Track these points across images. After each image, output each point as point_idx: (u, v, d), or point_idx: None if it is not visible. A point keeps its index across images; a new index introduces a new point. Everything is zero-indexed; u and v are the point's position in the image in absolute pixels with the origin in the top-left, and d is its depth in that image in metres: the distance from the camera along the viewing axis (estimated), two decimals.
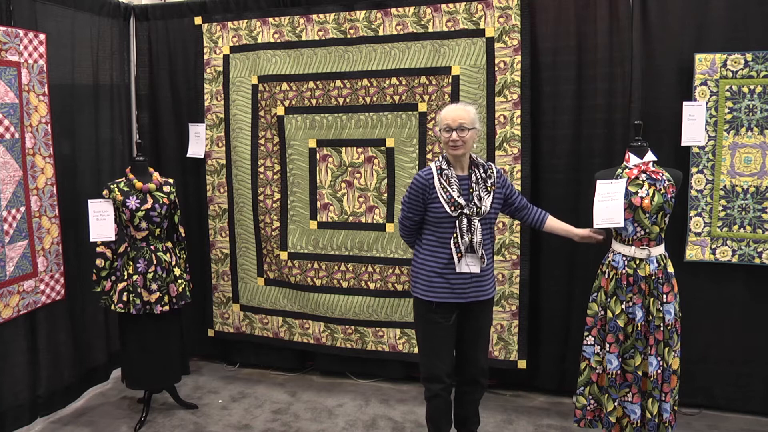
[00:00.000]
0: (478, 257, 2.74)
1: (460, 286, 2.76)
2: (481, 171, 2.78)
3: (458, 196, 2.69)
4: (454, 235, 2.70)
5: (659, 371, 2.82)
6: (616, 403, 2.89)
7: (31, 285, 3.40)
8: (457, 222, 2.70)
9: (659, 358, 2.82)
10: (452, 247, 2.70)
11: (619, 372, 2.88)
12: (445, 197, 2.69)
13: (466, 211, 2.69)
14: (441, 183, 2.70)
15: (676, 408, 2.93)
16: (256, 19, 3.99)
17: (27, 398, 3.46)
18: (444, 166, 2.74)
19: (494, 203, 2.79)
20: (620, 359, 2.88)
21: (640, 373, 2.85)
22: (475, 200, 2.71)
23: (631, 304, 2.83)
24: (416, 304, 2.86)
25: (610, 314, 2.87)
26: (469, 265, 2.73)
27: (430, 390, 2.87)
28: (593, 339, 2.97)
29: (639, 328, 2.82)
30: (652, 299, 2.81)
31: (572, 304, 3.65)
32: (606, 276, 2.92)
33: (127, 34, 4.23)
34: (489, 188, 2.77)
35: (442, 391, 2.85)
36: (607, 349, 2.88)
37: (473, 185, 2.74)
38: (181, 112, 4.29)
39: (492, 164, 2.86)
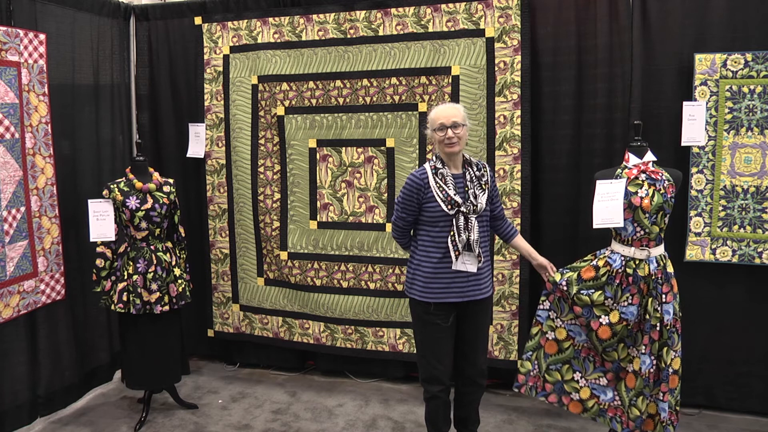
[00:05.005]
0: (476, 255, 2.73)
1: (457, 284, 2.75)
2: (475, 169, 2.79)
3: (455, 194, 2.70)
4: (452, 233, 2.69)
5: (651, 370, 2.81)
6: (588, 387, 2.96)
7: (32, 285, 3.40)
8: (453, 220, 2.69)
9: (653, 357, 2.82)
10: (449, 244, 2.70)
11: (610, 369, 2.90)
12: (442, 195, 2.69)
13: (462, 209, 2.69)
14: (436, 182, 2.71)
15: (677, 408, 2.92)
16: (256, 19, 3.99)
17: (27, 398, 3.46)
18: (438, 166, 2.74)
19: (489, 201, 2.80)
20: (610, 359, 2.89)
21: (624, 366, 2.88)
22: (471, 198, 2.72)
23: (626, 305, 2.82)
24: (413, 305, 2.85)
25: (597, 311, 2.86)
26: (466, 264, 2.72)
27: (429, 391, 2.87)
28: (549, 305, 2.97)
29: (630, 327, 2.82)
30: (650, 299, 2.81)
31: None
32: (595, 269, 2.87)
33: (127, 34, 4.23)
34: (483, 186, 2.78)
35: (441, 392, 2.85)
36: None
37: (468, 183, 2.74)
38: (181, 112, 4.28)
39: (485, 164, 2.87)
